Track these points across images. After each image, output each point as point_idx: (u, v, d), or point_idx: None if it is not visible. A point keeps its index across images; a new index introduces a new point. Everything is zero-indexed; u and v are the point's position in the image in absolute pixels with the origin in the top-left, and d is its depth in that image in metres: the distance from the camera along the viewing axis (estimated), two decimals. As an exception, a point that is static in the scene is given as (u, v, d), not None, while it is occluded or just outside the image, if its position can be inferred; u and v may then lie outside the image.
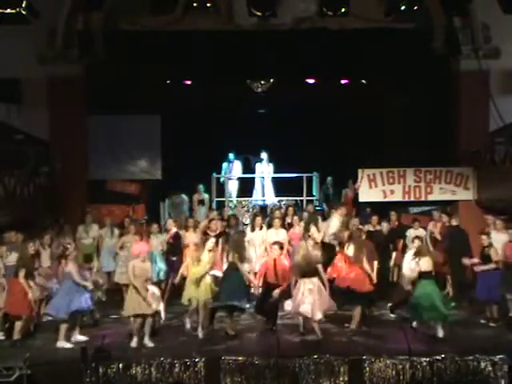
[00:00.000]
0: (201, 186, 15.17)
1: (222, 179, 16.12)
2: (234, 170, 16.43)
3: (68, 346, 9.35)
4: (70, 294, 9.48)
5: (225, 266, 10.35)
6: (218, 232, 11.60)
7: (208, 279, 9.84)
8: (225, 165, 16.41)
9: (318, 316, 9.32)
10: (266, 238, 12.05)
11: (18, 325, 9.41)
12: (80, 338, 9.58)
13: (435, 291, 9.50)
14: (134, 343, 9.32)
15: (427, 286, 9.46)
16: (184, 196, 15.25)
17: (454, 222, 12.20)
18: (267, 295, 9.93)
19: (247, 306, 10.11)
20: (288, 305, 9.66)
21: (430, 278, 9.57)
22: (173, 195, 15.26)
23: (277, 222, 12.06)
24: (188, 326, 10.04)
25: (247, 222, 13.77)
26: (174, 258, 11.68)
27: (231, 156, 16.42)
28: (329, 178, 15.76)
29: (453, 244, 11.79)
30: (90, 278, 10.26)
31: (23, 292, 9.48)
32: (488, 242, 10.35)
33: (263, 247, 12.26)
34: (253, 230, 12.40)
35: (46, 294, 10.36)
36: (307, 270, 9.44)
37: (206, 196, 15.22)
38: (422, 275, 9.57)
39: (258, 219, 12.51)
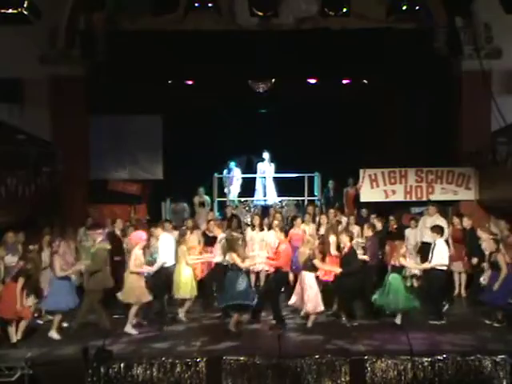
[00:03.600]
0: (201, 189, 15.14)
1: (224, 175, 16.19)
2: (233, 177, 16.38)
3: (57, 337, 9.74)
4: (64, 290, 9.88)
5: None
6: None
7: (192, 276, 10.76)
8: (225, 172, 16.37)
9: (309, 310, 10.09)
10: (266, 239, 12.27)
11: (20, 326, 9.41)
12: (54, 334, 9.87)
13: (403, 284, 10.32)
14: (130, 329, 9.92)
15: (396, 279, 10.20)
16: (185, 205, 15.23)
17: (468, 225, 12.07)
18: None
19: (248, 303, 10.09)
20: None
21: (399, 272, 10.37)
22: (173, 203, 15.24)
23: (277, 223, 12.13)
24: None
25: (249, 222, 13.78)
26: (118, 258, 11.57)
27: (232, 164, 16.38)
28: (330, 182, 15.72)
29: (471, 246, 11.74)
30: None
31: (16, 297, 9.38)
32: (495, 248, 10.30)
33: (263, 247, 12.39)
34: (253, 228, 12.69)
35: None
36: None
37: (207, 198, 15.22)
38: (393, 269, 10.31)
39: (257, 218, 12.84)
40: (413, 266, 11.25)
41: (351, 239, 10.59)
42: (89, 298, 10.03)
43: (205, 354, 8.75)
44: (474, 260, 11.38)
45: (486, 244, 10.68)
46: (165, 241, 10.56)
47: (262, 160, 16.45)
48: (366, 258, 10.86)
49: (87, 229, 11.65)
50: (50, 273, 10.50)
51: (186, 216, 14.87)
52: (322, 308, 10.16)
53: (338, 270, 10.30)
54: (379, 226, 11.95)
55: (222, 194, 15.90)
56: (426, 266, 10.66)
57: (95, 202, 14.59)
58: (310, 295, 10.02)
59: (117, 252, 11.33)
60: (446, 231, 11.72)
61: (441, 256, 10.41)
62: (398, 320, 10.30)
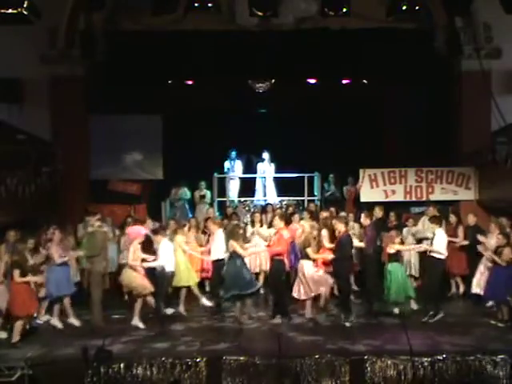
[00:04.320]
0: (202, 183, 15.26)
1: (226, 170, 16.22)
2: (236, 168, 16.45)
3: (60, 325, 9.97)
4: (62, 277, 10.10)
5: None
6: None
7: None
8: (227, 163, 16.42)
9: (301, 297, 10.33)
10: (266, 235, 12.36)
11: (19, 325, 9.40)
12: (74, 321, 10.13)
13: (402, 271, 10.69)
14: (137, 323, 10.09)
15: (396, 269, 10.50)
16: (186, 189, 15.29)
17: (471, 222, 12.16)
18: None
19: (252, 290, 10.27)
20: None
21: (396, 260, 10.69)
22: (176, 187, 15.26)
23: (277, 220, 12.20)
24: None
25: (249, 221, 13.81)
26: None
27: (233, 154, 16.42)
28: (331, 176, 15.79)
29: (472, 243, 11.76)
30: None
31: (25, 292, 9.47)
32: (503, 242, 10.36)
33: (263, 245, 12.44)
34: (253, 225, 12.86)
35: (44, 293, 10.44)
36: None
37: (208, 192, 15.28)
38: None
39: (257, 215, 13.05)
40: (408, 248, 11.62)
41: (346, 225, 10.72)
42: (93, 285, 10.07)
43: (205, 354, 8.74)
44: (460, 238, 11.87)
45: (495, 239, 10.72)
46: (165, 247, 10.56)
47: (262, 160, 16.45)
48: (362, 244, 10.99)
49: (86, 214, 11.67)
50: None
51: (187, 207, 15.02)
52: (312, 294, 10.35)
53: (330, 257, 10.46)
54: (380, 214, 12.00)
55: (222, 193, 15.90)
56: (422, 248, 10.99)
57: (95, 201, 14.56)
58: (305, 281, 10.22)
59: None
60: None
61: (439, 245, 10.50)
62: (396, 310, 10.39)
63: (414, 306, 10.78)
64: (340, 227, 10.50)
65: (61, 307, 10.34)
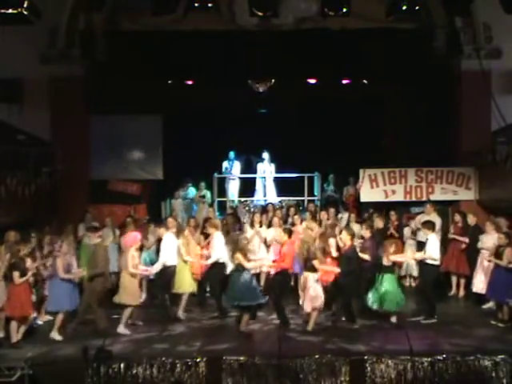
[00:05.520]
0: (202, 184, 15.30)
1: (223, 170, 16.24)
2: (234, 168, 16.47)
3: (58, 338, 9.68)
4: (66, 291, 9.83)
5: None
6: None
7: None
8: (225, 163, 16.44)
9: (307, 309, 9.91)
10: (265, 236, 12.37)
11: (15, 325, 9.37)
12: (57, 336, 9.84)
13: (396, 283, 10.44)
14: (122, 330, 9.92)
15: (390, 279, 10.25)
16: (192, 188, 15.30)
17: (472, 222, 12.14)
18: None
19: (260, 301, 10.10)
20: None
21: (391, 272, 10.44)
22: (181, 187, 15.27)
23: (276, 221, 12.21)
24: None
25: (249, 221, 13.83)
26: None
27: (231, 154, 16.44)
28: (330, 176, 15.80)
29: (473, 244, 11.76)
30: None
31: (23, 293, 9.45)
32: (505, 242, 10.32)
33: (262, 245, 12.45)
34: (252, 226, 12.81)
35: (44, 294, 10.39)
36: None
37: (208, 193, 15.29)
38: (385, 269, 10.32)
39: (257, 216, 13.01)
40: (403, 258, 11.53)
41: (352, 237, 10.53)
42: (87, 298, 10.03)
43: (205, 354, 8.74)
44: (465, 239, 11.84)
45: (494, 239, 10.71)
46: (168, 241, 10.61)
47: (262, 160, 16.48)
48: (365, 257, 10.80)
49: (87, 230, 11.65)
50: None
51: (192, 196, 15.12)
52: (321, 307, 10.07)
53: (337, 270, 10.21)
54: (381, 224, 11.93)
55: (222, 193, 15.92)
56: (416, 256, 10.84)
57: (95, 202, 14.59)
58: (311, 295, 9.92)
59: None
60: (438, 228, 11.79)
61: (432, 251, 10.42)
62: (393, 319, 10.32)
63: (393, 319, 10.34)
64: (346, 239, 10.34)
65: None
